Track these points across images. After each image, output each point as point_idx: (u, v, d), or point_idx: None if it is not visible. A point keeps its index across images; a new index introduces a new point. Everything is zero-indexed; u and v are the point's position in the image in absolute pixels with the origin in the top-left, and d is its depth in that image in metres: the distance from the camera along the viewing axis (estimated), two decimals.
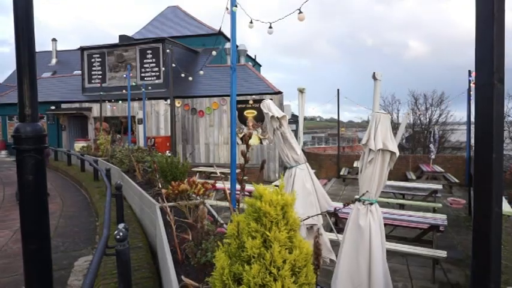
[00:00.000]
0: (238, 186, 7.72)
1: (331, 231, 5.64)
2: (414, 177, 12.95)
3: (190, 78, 9.31)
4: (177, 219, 2.90)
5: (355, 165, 15.19)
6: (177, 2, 27.40)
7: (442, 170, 13.13)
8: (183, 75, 10.39)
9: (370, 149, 3.06)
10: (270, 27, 4.20)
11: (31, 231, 2.72)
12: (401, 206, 8.75)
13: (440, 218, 5.66)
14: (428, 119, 23.40)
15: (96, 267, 2.31)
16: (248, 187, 8.48)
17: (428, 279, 4.87)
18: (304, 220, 2.12)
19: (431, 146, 13.30)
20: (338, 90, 16.28)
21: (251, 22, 4.21)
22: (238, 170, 9.62)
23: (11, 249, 4.87)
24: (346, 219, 6.81)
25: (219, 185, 9.04)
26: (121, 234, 2.60)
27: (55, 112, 19.55)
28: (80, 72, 20.28)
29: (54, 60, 30.66)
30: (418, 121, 24.16)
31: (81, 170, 11.16)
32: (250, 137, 1.82)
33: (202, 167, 13.66)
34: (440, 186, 9.06)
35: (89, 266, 2.34)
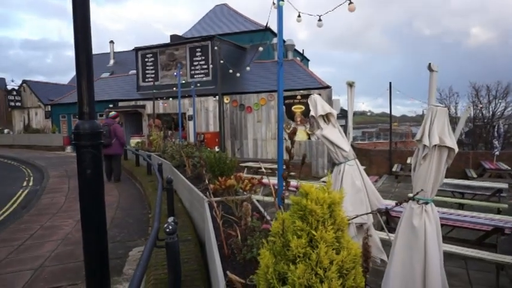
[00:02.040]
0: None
1: (381, 230, 5.42)
2: (475, 175, 12.05)
3: (238, 74, 9.39)
4: (223, 214, 2.93)
5: (408, 161, 14.48)
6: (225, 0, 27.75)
7: (508, 167, 12.09)
8: (231, 71, 10.52)
9: (424, 145, 2.88)
10: (320, 19, 4.09)
11: (89, 221, 2.89)
12: (461, 206, 8.19)
13: (506, 220, 5.21)
14: (491, 113, 21.68)
15: (146, 259, 2.40)
16: (294, 183, 8.41)
17: (491, 285, 4.50)
18: (353, 219, 2.03)
19: (495, 141, 12.31)
20: (390, 83, 15.64)
21: (299, 16, 4.12)
22: (284, 167, 9.57)
23: (74, 237, 5.24)
24: (398, 218, 6.52)
25: (266, 180, 9.08)
26: (170, 227, 2.68)
27: (113, 110, 20.75)
28: (135, 71, 21.33)
29: (112, 61, 32.61)
30: (480, 115, 22.48)
31: (136, 164, 11.75)
32: (295, 133, 1.78)
33: (250, 162, 13.79)
34: (505, 185, 8.32)
35: (140, 257, 2.44)
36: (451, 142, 2.82)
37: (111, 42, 33.26)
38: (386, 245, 4.87)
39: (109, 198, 7.88)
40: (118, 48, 34.11)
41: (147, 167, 9.77)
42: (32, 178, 12.06)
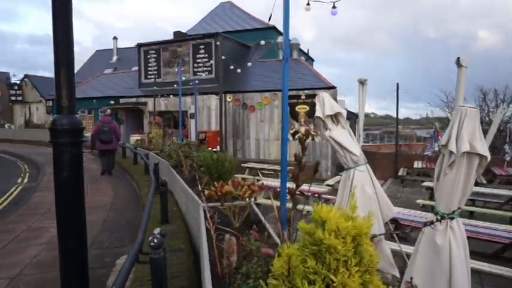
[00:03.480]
0: (289, 185, 7.16)
1: (390, 239, 5.05)
2: (485, 182, 11.61)
3: (238, 71, 9.05)
4: (218, 226, 2.56)
5: (415, 165, 14.07)
6: None
7: None
8: (231, 67, 10.16)
9: (451, 152, 2.50)
10: (334, 7, 3.71)
11: (67, 230, 2.54)
12: (471, 214, 7.79)
13: None
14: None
15: (124, 277, 2.05)
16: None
17: None
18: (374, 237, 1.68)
19: (506, 146, 11.86)
20: (397, 84, 15.24)
21: (308, 4, 3.74)
22: (288, 168, 9.12)
23: None
24: (408, 226, 6.13)
25: (268, 182, 8.71)
26: (155, 241, 2.32)
27: (114, 106, 20.42)
28: (137, 68, 21.01)
29: (115, 58, 32.32)
30: (487, 118, 22.01)
31: (133, 162, 11.41)
32: (307, 137, 1.41)
33: (252, 162, 13.42)
34: None
35: (118, 274, 2.07)
36: (483, 148, 2.44)
37: (115, 38, 32.99)
38: (395, 255, 4.51)
39: (103, 198, 7.54)
40: (121, 44, 33.82)
41: (144, 166, 9.42)
42: (27, 174, 11.75)
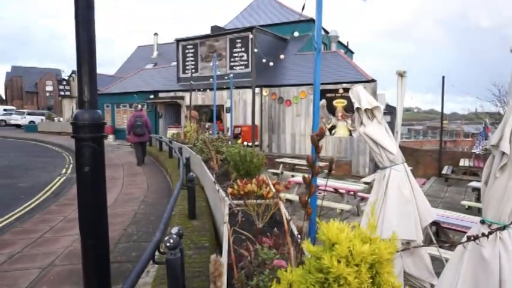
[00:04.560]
0: (322, 181, 6.87)
1: (430, 243, 4.67)
2: None
3: (271, 64, 8.87)
4: (235, 229, 2.41)
5: (461, 163, 13.20)
6: None
7: None
8: (264, 60, 9.97)
9: (503, 153, 2.18)
10: None
11: (88, 226, 2.50)
12: None
13: None
14: None
15: (133, 280, 1.96)
16: (333, 183, 7.73)
17: None
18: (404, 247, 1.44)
19: (476, 140, 10.80)
20: (443, 77, 14.31)
21: None
22: (323, 164, 8.83)
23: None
24: (450, 229, 5.68)
25: (299, 179, 8.49)
26: (171, 241, 2.22)
27: (153, 101, 20.95)
28: (176, 63, 21.39)
29: (155, 53, 33.17)
30: None
31: (169, 156, 11.58)
32: (321, 137, 1.21)
33: (286, 157, 13.20)
34: None
35: (128, 275, 1.99)
36: None
37: (155, 34, 33.81)
38: (435, 259, 4.18)
39: (137, 191, 7.69)
40: (162, 40, 34.61)
41: (178, 159, 9.52)
42: (71, 165, 12.30)
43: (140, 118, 11.32)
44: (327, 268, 0.74)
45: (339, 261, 0.74)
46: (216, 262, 1.23)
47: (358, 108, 3.60)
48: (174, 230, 2.39)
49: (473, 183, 8.46)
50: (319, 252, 0.79)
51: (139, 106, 12.44)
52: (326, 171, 10.24)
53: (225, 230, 2.84)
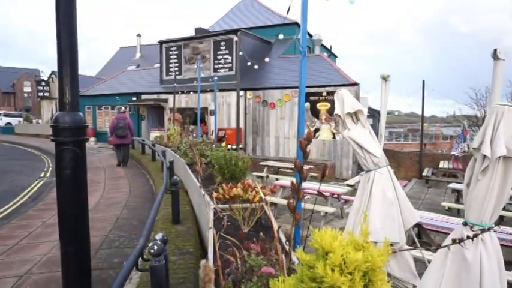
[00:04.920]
0: (307, 185, 6.91)
1: (412, 244, 4.74)
2: None
3: (256, 67, 8.88)
4: (221, 234, 2.38)
5: (441, 165, 13.50)
6: None
7: None
8: (249, 63, 9.99)
9: (484, 156, 2.22)
10: None
11: (68, 232, 2.43)
12: (501, 219, 7.35)
13: None
14: None
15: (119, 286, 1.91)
16: (317, 186, 7.76)
17: None
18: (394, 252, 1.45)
19: (455, 143, 11.20)
20: (423, 81, 14.66)
21: None
22: (308, 167, 8.83)
23: None
24: (432, 231, 5.78)
25: (284, 182, 8.50)
26: (156, 247, 2.17)
27: (136, 103, 20.66)
28: (159, 64, 21.17)
29: (138, 54, 32.78)
30: None
31: (152, 159, 11.42)
32: (309, 141, 1.20)
33: (271, 160, 13.20)
34: None
35: (111, 282, 1.94)
36: None
37: (138, 35, 33.41)
38: (418, 260, 4.24)
39: (119, 195, 7.53)
40: (145, 41, 34.23)
41: (161, 163, 9.39)
42: (50, 169, 11.98)
43: (123, 120, 11.40)
44: (321, 277, 0.73)
45: (332, 270, 0.73)
46: (206, 267, 1.20)
47: (338, 115, 3.62)
48: (159, 236, 2.34)
49: (453, 185, 8.65)
50: (312, 261, 0.78)
51: (123, 108, 12.49)
52: (310, 174, 10.29)
53: (210, 236, 2.80)
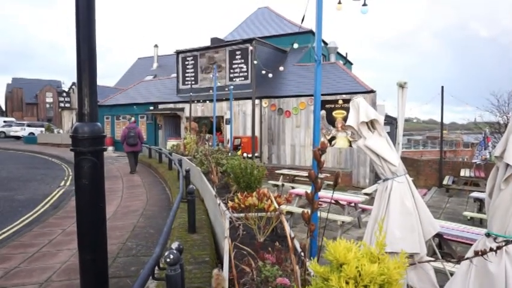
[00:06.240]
0: (323, 193, 6.81)
1: (433, 255, 4.61)
2: None
3: (270, 75, 8.92)
4: (236, 244, 2.37)
5: (462, 174, 13.16)
6: (267, 2, 27.40)
7: None
8: (263, 72, 10.03)
9: (507, 164, 2.15)
10: (365, 4, 3.45)
11: (86, 240, 2.46)
12: None
13: None
14: None
15: None
16: (334, 195, 7.67)
17: None
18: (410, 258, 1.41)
19: (477, 151, 10.79)
20: (442, 87, 14.36)
21: (339, 3, 3.50)
22: (324, 175, 8.76)
23: None
24: (454, 241, 5.61)
25: (300, 190, 8.44)
26: (171, 256, 2.17)
27: (153, 112, 20.99)
28: (175, 74, 21.50)
29: (155, 65, 33.39)
30: None
31: (168, 168, 11.54)
32: (323, 151, 1.19)
33: (286, 169, 13.15)
34: None
35: None
36: None
37: (156, 46, 34.07)
38: (439, 271, 4.12)
39: (137, 203, 7.63)
40: (162, 51, 34.87)
41: (177, 172, 9.48)
42: (70, 177, 12.24)
43: (133, 129, 12.34)
44: None
45: (347, 283, 0.71)
46: (218, 277, 1.20)
47: (351, 126, 3.58)
48: (175, 245, 2.35)
49: (475, 194, 8.41)
50: (326, 273, 0.76)
51: (133, 118, 13.88)
52: (326, 182, 10.20)
53: (226, 245, 2.79)
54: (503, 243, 2.04)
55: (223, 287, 1.22)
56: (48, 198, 8.71)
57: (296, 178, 11.69)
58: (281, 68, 8.01)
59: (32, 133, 32.58)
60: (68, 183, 11.06)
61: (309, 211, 1.15)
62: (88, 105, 2.43)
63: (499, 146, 2.23)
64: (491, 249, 1.55)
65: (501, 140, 2.23)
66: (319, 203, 4.39)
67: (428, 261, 2.63)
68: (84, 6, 2.35)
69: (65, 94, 29.82)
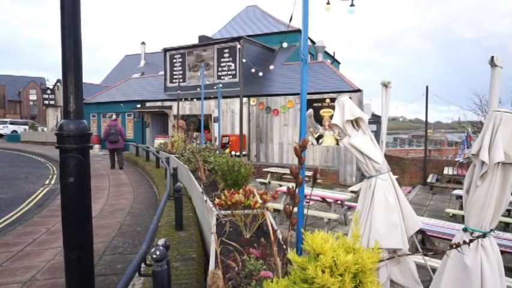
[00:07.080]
0: (308, 191, 6.91)
1: (415, 251, 4.72)
2: None
3: (260, 74, 8.95)
4: (222, 239, 2.40)
5: (445, 172, 13.44)
6: (256, 1, 27.42)
7: None
8: (253, 70, 10.07)
9: (483, 162, 2.24)
10: (352, 5, 3.51)
11: (72, 238, 2.46)
12: (506, 226, 7.32)
13: None
14: None
15: None
16: (320, 192, 7.76)
17: None
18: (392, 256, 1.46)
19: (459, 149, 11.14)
20: (427, 87, 14.63)
21: (328, 3, 3.56)
22: (309, 173, 8.88)
23: None
24: (435, 237, 5.75)
25: (284, 188, 8.50)
26: (158, 253, 2.20)
27: (140, 110, 20.81)
28: (163, 72, 21.35)
29: (142, 62, 33.07)
30: None
31: (156, 166, 11.49)
32: (304, 148, 1.23)
33: (274, 167, 13.22)
34: None
35: None
36: None
37: (143, 43, 33.74)
38: (421, 267, 4.23)
39: (123, 202, 7.58)
40: (149, 49, 34.57)
41: (165, 169, 9.45)
42: (55, 176, 12.07)
43: (114, 127, 12.54)
44: (312, 278, 0.75)
45: (323, 271, 0.75)
46: (214, 275, 1.22)
47: (336, 124, 3.65)
48: (161, 241, 2.37)
49: (457, 191, 8.61)
50: (304, 262, 0.80)
51: (114, 116, 14.22)
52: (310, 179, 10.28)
53: (212, 241, 2.83)
54: (476, 238, 2.13)
55: (219, 285, 1.24)
56: (33, 197, 8.58)
57: (284, 176, 11.75)
58: (271, 67, 8.05)
59: (15, 131, 31.94)
60: (52, 182, 10.91)
61: (291, 206, 1.19)
62: (74, 102, 2.42)
63: (476, 144, 2.31)
64: (464, 242, 1.62)
65: (477, 139, 2.32)
66: (306, 200, 4.46)
67: (407, 255, 2.71)
68: (70, 2, 2.35)
69: (49, 91, 29.29)
